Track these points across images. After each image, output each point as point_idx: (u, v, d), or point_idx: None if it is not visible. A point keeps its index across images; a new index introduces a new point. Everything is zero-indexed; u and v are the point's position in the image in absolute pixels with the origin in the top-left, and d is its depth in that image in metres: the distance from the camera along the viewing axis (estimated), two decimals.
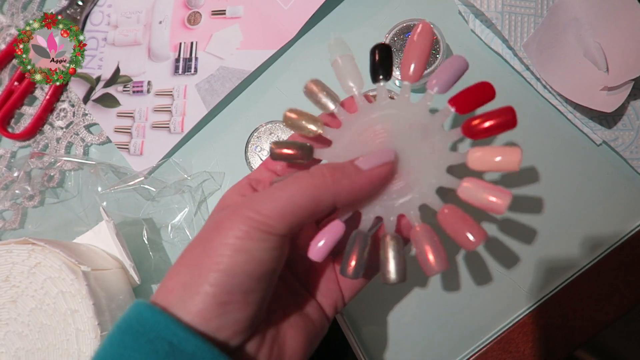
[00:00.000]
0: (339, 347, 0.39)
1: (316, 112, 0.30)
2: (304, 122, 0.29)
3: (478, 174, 0.27)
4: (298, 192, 0.24)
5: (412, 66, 0.29)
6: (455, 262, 0.40)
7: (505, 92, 0.41)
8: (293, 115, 0.29)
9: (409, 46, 0.29)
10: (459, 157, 0.27)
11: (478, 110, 0.28)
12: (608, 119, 0.39)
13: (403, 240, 0.28)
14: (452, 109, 0.28)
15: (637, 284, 0.38)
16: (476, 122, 0.27)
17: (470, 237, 0.26)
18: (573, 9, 0.39)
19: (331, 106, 0.29)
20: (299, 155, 0.28)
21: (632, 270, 0.38)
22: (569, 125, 0.40)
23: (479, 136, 0.27)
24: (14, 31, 0.51)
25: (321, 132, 0.29)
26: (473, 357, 0.38)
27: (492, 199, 0.26)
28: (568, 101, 0.39)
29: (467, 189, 0.26)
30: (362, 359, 0.38)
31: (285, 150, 0.28)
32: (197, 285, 0.23)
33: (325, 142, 0.30)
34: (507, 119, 0.26)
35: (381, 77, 0.29)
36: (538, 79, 0.40)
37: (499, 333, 0.38)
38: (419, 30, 0.29)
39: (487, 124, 0.26)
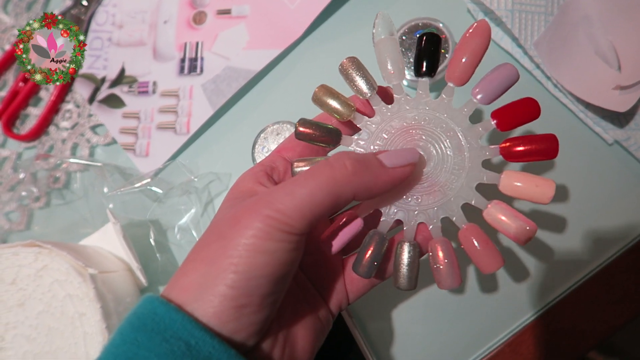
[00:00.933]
0: (344, 343, 0.39)
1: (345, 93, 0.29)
2: (334, 101, 0.27)
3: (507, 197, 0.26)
4: (318, 186, 0.23)
5: (461, 67, 0.27)
6: (467, 263, 0.39)
7: (515, 90, 0.40)
8: (323, 91, 0.27)
9: (461, 45, 0.27)
10: (491, 177, 0.26)
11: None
12: (620, 119, 0.38)
13: (420, 249, 0.27)
14: (493, 123, 0.26)
15: None
16: (517, 145, 0.26)
17: (487, 264, 0.25)
18: (584, 7, 0.38)
19: (366, 90, 0.27)
20: (326, 138, 0.27)
21: None
22: (580, 125, 0.39)
23: (516, 160, 0.26)
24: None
25: (352, 116, 0.27)
26: (485, 359, 0.38)
27: (516, 229, 0.25)
28: (579, 100, 0.38)
29: (493, 212, 0.26)
30: (368, 355, 0.38)
31: (313, 131, 0.27)
32: (214, 286, 0.22)
33: (353, 129, 0.29)
34: (549, 148, 0.25)
35: (425, 71, 0.27)
36: (548, 78, 0.39)
37: (509, 335, 0.38)
38: (476, 29, 0.27)
39: (527, 149, 0.25)
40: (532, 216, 0.39)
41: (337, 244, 0.26)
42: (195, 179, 0.44)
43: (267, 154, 0.42)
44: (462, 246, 0.26)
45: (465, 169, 0.26)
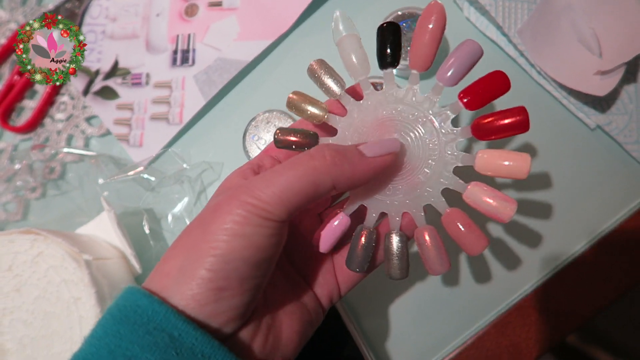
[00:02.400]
0: (340, 338, 0.40)
1: (320, 97, 0.29)
2: (308, 106, 0.28)
3: (488, 178, 0.26)
4: (297, 175, 0.23)
5: (422, 53, 0.27)
6: (455, 249, 0.40)
7: None
8: (297, 98, 0.28)
9: (419, 31, 0.27)
10: (466, 159, 0.27)
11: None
12: (602, 104, 0.39)
13: (407, 238, 0.27)
14: (462, 103, 0.26)
15: (632, 268, 0.38)
16: (486, 121, 0.26)
17: (473, 246, 0.26)
18: None
19: (336, 90, 0.28)
20: (304, 142, 0.28)
21: (627, 254, 0.38)
22: (564, 110, 0.40)
23: (489, 137, 0.26)
24: (13, 26, 0.52)
25: (326, 117, 0.28)
26: (470, 340, 0.39)
27: (497, 207, 0.25)
28: (562, 86, 0.39)
29: (473, 193, 0.26)
30: (364, 349, 0.39)
31: (291, 137, 0.27)
32: (193, 269, 0.22)
33: (330, 131, 0.29)
34: (520, 120, 0.25)
35: (389, 62, 0.28)
36: (532, 65, 0.40)
37: (495, 316, 0.39)
38: (430, 12, 0.27)
39: (497, 125, 0.25)
40: (518, 200, 0.40)
41: (326, 243, 0.27)
42: (188, 168, 0.44)
43: (257, 142, 0.43)
44: (447, 230, 0.27)
45: (440, 154, 0.27)
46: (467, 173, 0.27)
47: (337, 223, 0.27)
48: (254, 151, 0.42)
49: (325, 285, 0.30)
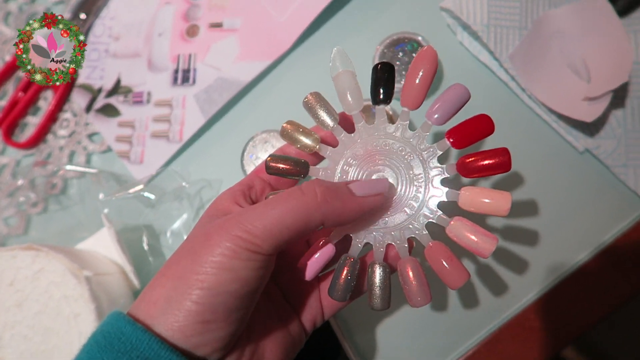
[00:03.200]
0: (332, 353, 0.40)
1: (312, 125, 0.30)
2: (301, 136, 0.29)
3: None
4: (288, 211, 0.24)
5: (414, 92, 0.28)
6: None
7: (492, 102, 0.43)
8: (290, 127, 0.29)
9: (411, 72, 0.28)
10: (451, 195, 0.28)
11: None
12: (591, 128, 0.40)
13: (390, 269, 0.28)
14: (449, 142, 0.28)
15: (620, 286, 0.39)
16: (469, 160, 0.27)
17: (454, 281, 0.27)
18: (557, 22, 0.40)
19: (330, 123, 0.29)
20: (295, 171, 0.28)
21: (615, 273, 0.39)
22: (553, 134, 0.41)
23: (473, 175, 0.27)
24: None
25: (317, 148, 0.29)
26: (463, 358, 0.40)
27: (478, 243, 0.26)
28: (552, 110, 0.40)
29: (455, 228, 0.27)
30: (354, 358, 0.39)
31: (281, 165, 0.28)
32: (181, 301, 0.23)
33: (320, 159, 0.30)
34: (502, 161, 0.26)
35: (382, 99, 0.29)
36: (523, 89, 0.41)
37: (486, 335, 0.40)
38: (423, 55, 0.28)
39: (480, 165, 0.27)
40: (505, 218, 0.41)
41: (311, 271, 0.28)
42: (187, 185, 0.45)
43: (255, 162, 0.44)
44: (429, 262, 0.28)
45: (426, 189, 0.28)
46: (451, 207, 0.28)
47: (322, 252, 0.28)
48: (251, 170, 0.43)
49: (310, 309, 0.31)
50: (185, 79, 0.48)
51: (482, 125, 0.27)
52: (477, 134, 0.27)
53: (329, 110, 0.29)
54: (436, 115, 0.28)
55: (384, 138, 0.29)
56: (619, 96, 0.40)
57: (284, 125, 0.29)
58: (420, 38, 0.42)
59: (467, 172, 0.27)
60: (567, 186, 0.41)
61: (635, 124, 0.40)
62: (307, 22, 0.46)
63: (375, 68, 0.29)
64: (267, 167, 0.28)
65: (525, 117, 0.42)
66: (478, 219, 0.28)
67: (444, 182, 0.28)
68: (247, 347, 0.26)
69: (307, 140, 0.29)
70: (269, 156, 0.29)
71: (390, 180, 0.28)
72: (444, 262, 0.27)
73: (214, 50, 0.48)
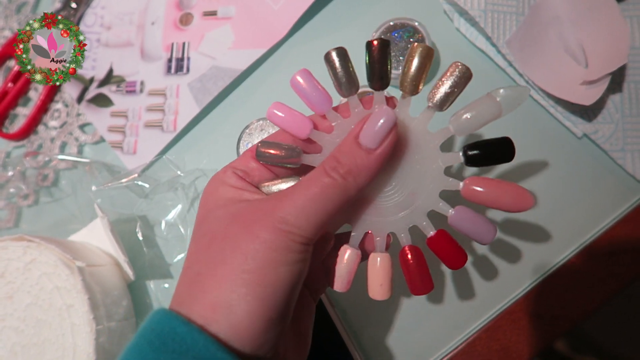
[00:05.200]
0: (335, 349, 0.40)
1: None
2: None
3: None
4: (327, 198, 0.23)
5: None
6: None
7: (490, 88, 0.42)
8: (269, 152, 0.27)
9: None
10: (453, 184, 0.27)
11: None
12: (589, 113, 0.40)
13: (391, 259, 0.28)
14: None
15: (619, 273, 0.39)
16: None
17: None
18: (554, 7, 0.40)
19: (297, 159, 0.27)
20: (287, 159, 0.27)
21: (615, 259, 0.39)
22: (551, 119, 0.41)
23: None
24: (7, 33, 0.52)
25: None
26: (462, 345, 0.39)
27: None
28: (549, 96, 0.40)
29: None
30: (352, 346, 0.39)
31: (273, 151, 0.26)
32: (243, 304, 0.22)
33: (316, 147, 0.28)
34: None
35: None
36: (521, 75, 0.41)
37: (486, 321, 0.39)
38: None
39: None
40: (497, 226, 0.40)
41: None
42: (182, 175, 0.45)
43: None
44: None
45: (428, 176, 0.27)
46: (453, 196, 0.28)
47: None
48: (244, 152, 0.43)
49: (317, 282, 0.31)
50: (179, 68, 0.47)
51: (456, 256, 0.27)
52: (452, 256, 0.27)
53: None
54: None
55: None
56: (616, 81, 0.40)
57: (259, 149, 0.27)
58: (416, 24, 0.41)
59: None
60: (565, 171, 0.40)
61: (633, 109, 0.40)
62: (302, 10, 0.45)
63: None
64: (258, 153, 0.27)
65: (523, 103, 0.42)
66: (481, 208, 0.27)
67: (447, 171, 0.27)
68: (288, 333, 0.27)
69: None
70: (259, 142, 0.27)
71: (391, 165, 0.27)
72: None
73: (208, 38, 0.47)
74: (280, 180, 0.27)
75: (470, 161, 0.26)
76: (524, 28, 0.41)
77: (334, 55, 0.27)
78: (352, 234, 0.28)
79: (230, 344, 0.22)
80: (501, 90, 0.26)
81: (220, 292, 0.23)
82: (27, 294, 0.38)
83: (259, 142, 0.27)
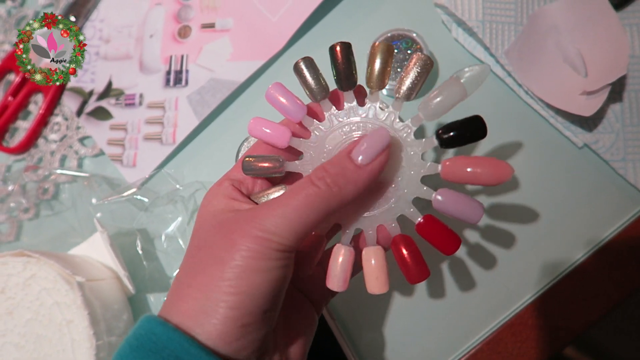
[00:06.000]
0: (332, 353, 0.40)
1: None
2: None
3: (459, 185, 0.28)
4: (307, 207, 0.24)
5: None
6: (447, 264, 0.40)
7: (489, 98, 0.42)
8: (255, 165, 0.28)
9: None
10: (432, 168, 0.28)
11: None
12: (589, 123, 0.40)
13: (384, 252, 0.28)
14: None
15: (620, 282, 0.39)
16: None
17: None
18: (552, 17, 0.40)
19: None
20: (272, 170, 0.28)
21: (616, 269, 0.39)
22: (551, 129, 0.41)
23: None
24: (7, 47, 0.52)
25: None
26: (464, 358, 0.39)
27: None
28: (549, 106, 0.40)
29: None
30: (353, 359, 0.39)
31: (260, 164, 0.28)
32: (217, 310, 0.23)
33: (296, 154, 0.30)
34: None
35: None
36: (520, 85, 0.41)
37: (488, 334, 0.39)
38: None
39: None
40: (505, 216, 0.40)
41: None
42: (181, 188, 0.45)
43: None
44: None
45: (408, 165, 0.28)
46: (434, 181, 0.28)
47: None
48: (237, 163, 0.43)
49: (319, 290, 0.31)
50: (178, 81, 0.47)
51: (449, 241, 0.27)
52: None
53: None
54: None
55: (356, 122, 0.29)
56: (616, 90, 0.40)
57: (245, 159, 0.28)
58: (414, 35, 0.41)
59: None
60: (566, 182, 0.40)
61: (634, 118, 0.40)
62: (300, 21, 0.45)
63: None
64: (245, 167, 0.28)
65: (523, 113, 0.42)
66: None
67: (424, 156, 0.28)
68: (277, 342, 0.27)
69: (272, 164, 0.28)
70: (246, 157, 0.28)
71: None
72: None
73: (207, 51, 0.48)
74: (270, 190, 0.28)
75: (444, 143, 0.27)
76: (523, 38, 0.40)
77: (302, 65, 0.29)
78: (344, 232, 0.28)
79: (216, 350, 0.23)
80: (462, 72, 0.28)
81: (197, 300, 0.23)
82: (27, 310, 0.38)
83: (244, 156, 0.28)
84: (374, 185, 0.28)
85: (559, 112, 0.40)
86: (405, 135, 0.28)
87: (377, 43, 0.28)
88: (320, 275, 0.31)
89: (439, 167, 0.27)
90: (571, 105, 0.38)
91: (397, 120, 0.28)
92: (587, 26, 0.40)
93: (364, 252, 0.28)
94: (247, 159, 0.28)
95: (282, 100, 0.29)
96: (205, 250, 0.25)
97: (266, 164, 0.28)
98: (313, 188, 0.24)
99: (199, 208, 0.28)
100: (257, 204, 0.28)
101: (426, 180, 0.28)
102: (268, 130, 0.28)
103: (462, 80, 0.27)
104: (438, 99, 0.27)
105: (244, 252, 0.23)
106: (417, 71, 0.28)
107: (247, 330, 0.23)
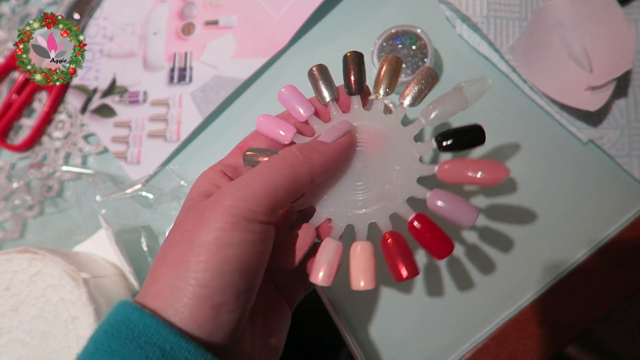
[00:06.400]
0: (335, 347, 0.40)
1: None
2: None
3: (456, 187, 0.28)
4: (275, 174, 0.24)
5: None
6: (452, 261, 0.40)
7: (493, 94, 0.42)
8: (256, 159, 0.29)
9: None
10: (428, 169, 0.28)
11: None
12: (594, 118, 0.40)
13: (372, 247, 0.27)
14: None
15: (625, 279, 0.39)
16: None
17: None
18: (557, 13, 0.40)
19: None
20: None
21: (621, 266, 0.39)
22: (556, 125, 0.41)
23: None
24: (11, 45, 0.52)
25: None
26: (470, 353, 0.39)
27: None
28: (554, 101, 0.40)
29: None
30: (358, 354, 0.39)
31: (260, 159, 0.29)
32: (187, 287, 0.22)
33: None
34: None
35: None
36: (524, 81, 0.41)
37: (494, 329, 0.39)
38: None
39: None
40: (509, 212, 0.40)
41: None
42: (186, 185, 0.45)
43: None
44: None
45: (405, 164, 0.28)
46: (431, 182, 0.28)
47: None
48: (250, 167, 0.43)
49: (292, 285, 0.31)
50: (182, 78, 0.47)
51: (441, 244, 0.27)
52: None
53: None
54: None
55: (359, 124, 0.30)
56: (621, 86, 0.40)
57: (246, 153, 0.30)
58: (419, 30, 0.41)
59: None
60: (571, 177, 0.40)
61: (639, 113, 0.39)
62: (304, 18, 0.45)
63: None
64: (246, 159, 0.29)
65: (527, 109, 0.41)
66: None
67: (422, 158, 0.29)
68: (254, 333, 0.26)
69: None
70: (247, 150, 0.29)
71: (367, 158, 0.29)
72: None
73: (210, 48, 0.48)
74: (255, 152, 0.29)
75: (443, 148, 0.28)
76: (527, 34, 0.40)
77: (315, 70, 0.31)
78: (333, 226, 0.28)
79: (189, 332, 0.22)
80: (466, 83, 0.29)
81: (167, 279, 0.22)
82: (32, 307, 0.38)
83: (247, 149, 0.29)
84: (369, 183, 0.28)
85: (564, 107, 0.40)
86: (405, 137, 0.29)
87: (390, 56, 0.30)
88: (297, 270, 0.30)
89: (436, 168, 0.28)
90: (576, 100, 0.38)
91: (400, 123, 0.29)
92: (592, 21, 0.39)
93: (352, 247, 0.27)
94: (248, 152, 0.29)
95: (293, 102, 0.31)
96: (176, 231, 0.24)
97: (266, 159, 0.28)
98: (280, 158, 0.25)
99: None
100: (246, 163, 0.29)
101: (422, 180, 0.28)
102: (274, 126, 0.30)
103: (464, 92, 0.29)
104: (440, 108, 0.29)
105: (215, 224, 0.22)
106: (423, 83, 0.29)
107: (220, 310, 0.22)
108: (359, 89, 0.30)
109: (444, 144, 0.28)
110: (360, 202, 0.28)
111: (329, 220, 0.29)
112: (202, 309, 0.22)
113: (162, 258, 0.24)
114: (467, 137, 0.28)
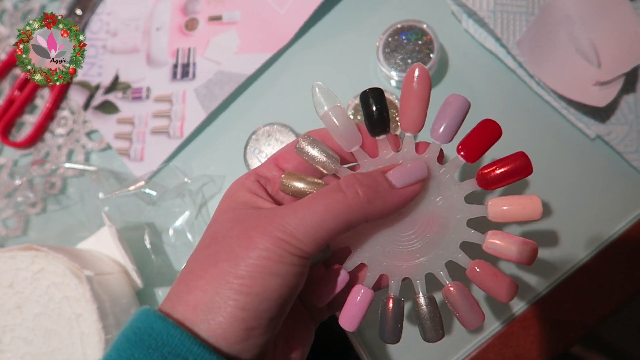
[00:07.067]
0: (341, 346, 0.39)
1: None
2: (321, 155, 0.26)
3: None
4: (331, 214, 0.23)
5: (414, 118, 0.26)
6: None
7: (500, 90, 0.42)
8: (309, 149, 0.26)
9: (406, 95, 0.26)
10: (478, 210, 0.26)
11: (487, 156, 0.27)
12: (602, 114, 0.39)
13: (434, 299, 0.27)
14: (461, 157, 0.26)
15: (633, 276, 0.38)
16: (490, 172, 0.26)
17: (504, 294, 0.26)
18: (565, 7, 0.39)
19: (333, 167, 0.26)
20: (324, 163, 0.26)
21: (629, 263, 0.38)
22: (563, 121, 0.40)
23: (495, 186, 0.26)
24: (13, 41, 0.52)
25: (336, 168, 0.27)
26: (476, 351, 0.39)
27: (519, 252, 0.25)
28: (561, 97, 0.39)
29: (493, 244, 0.26)
30: (363, 353, 0.38)
31: (298, 185, 0.26)
32: (225, 308, 0.22)
33: (351, 159, 0.28)
34: (522, 165, 0.26)
35: (379, 131, 0.26)
36: (531, 76, 0.40)
37: (499, 328, 0.39)
38: (416, 75, 0.26)
39: (501, 172, 0.26)
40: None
41: (356, 320, 0.27)
42: (189, 182, 0.44)
43: (258, 155, 0.43)
44: (474, 282, 0.27)
45: (452, 208, 0.27)
46: (480, 222, 0.27)
47: (363, 299, 0.27)
48: (255, 164, 0.42)
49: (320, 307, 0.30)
50: (185, 74, 0.47)
51: (489, 130, 0.26)
52: (487, 141, 0.26)
53: (326, 152, 0.26)
54: (439, 134, 0.26)
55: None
56: (630, 81, 0.39)
57: (283, 180, 0.26)
58: (425, 25, 0.41)
59: (488, 183, 0.26)
60: (578, 173, 0.40)
61: None
62: (308, 14, 0.45)
63: (364, 99, 0.26)
64: (283, 184, 0.26)
65: (534, 105, 0.41)
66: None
67: (468, 199, 0.27)
68: (276, 349, 0.26)
69: (326, 158, 0.26)
70: (285, 173, 0.26)
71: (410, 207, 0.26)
72: (491, 280, 0.26)
73: (214, 43, 0.47)
74: (308, 176, 0.26)
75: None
76: (535, 28, 0.40)
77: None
78: (368, 274, 0.27)
79: (209, 343, 0.22)
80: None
81: (205, 293, 0.22)
82: (35, 304, 0.37)
83: (304, 133, 0.27)
84: (419, 231, 0.27)
85: (571, 103, 0.40)
86: (457, 196, 0.27)
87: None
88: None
89: (487, 209, 0.26)
90: (584, 95, 0.37)
91: (436, 162, 0.27)
92: (600, 16, 0.39)
93: (415, 302, 0.27)
94: (305, 137, 0.26)
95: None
96: (220, 243, 0.24)
97: (323, 156, 0.26)
98: (340, 195, 0.23)
99: (222, 199, 0.27)
100: (284, 191, 0.26)
101: (471, 223, 0.27)
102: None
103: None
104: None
105: (262, 252, 0.22)
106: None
107: (251, 334, 0.22)
108: (384, 129, 0.26)
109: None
110: (398, 254, 0.27)
111: (363, 265, 0.27)
112: (235, 330, 0.22)
113: (201, 269, 0.23)
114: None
